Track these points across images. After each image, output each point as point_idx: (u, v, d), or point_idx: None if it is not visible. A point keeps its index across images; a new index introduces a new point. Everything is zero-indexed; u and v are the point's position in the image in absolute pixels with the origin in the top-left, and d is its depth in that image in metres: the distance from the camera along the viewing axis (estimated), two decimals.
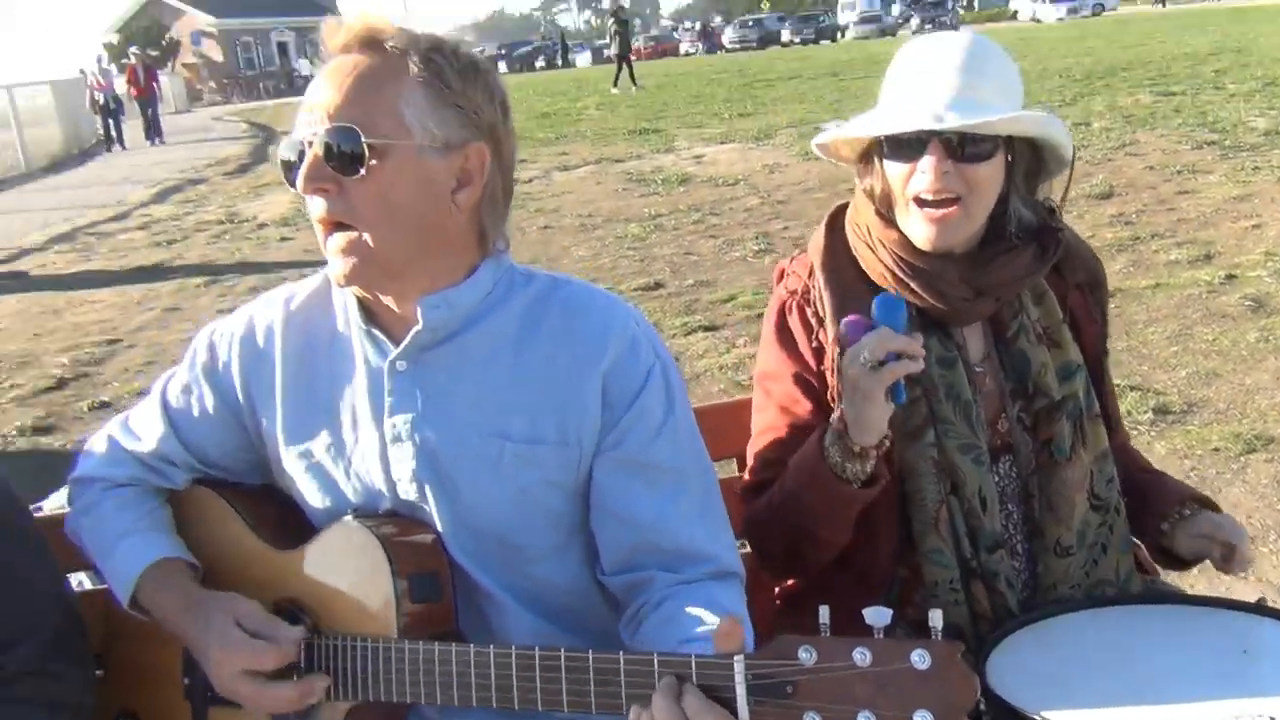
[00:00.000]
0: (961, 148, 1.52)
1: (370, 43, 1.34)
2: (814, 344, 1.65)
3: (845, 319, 1.50)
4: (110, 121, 23.45)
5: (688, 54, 55.03)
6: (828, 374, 1.62)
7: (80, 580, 1.96)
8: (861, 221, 1.66)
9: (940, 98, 1.52)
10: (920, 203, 1.55)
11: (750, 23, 61.10)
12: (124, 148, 22.94)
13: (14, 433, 5.44)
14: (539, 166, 12.88)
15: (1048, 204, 1.68)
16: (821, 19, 60.15)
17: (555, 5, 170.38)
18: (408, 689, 1.31)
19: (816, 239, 1.71)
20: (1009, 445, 1.65)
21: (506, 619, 1.43)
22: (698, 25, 62.68)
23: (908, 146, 1.55)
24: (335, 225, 1.34)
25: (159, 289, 8.62)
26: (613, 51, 27.48)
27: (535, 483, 1.41)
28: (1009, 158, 1.57)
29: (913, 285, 1.59)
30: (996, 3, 69.96)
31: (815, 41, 53.04)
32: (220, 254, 9.88)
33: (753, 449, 1.74)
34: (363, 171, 1.30)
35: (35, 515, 1.72)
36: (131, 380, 6.16)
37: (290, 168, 1.36)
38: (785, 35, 55.37)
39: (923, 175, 1.53)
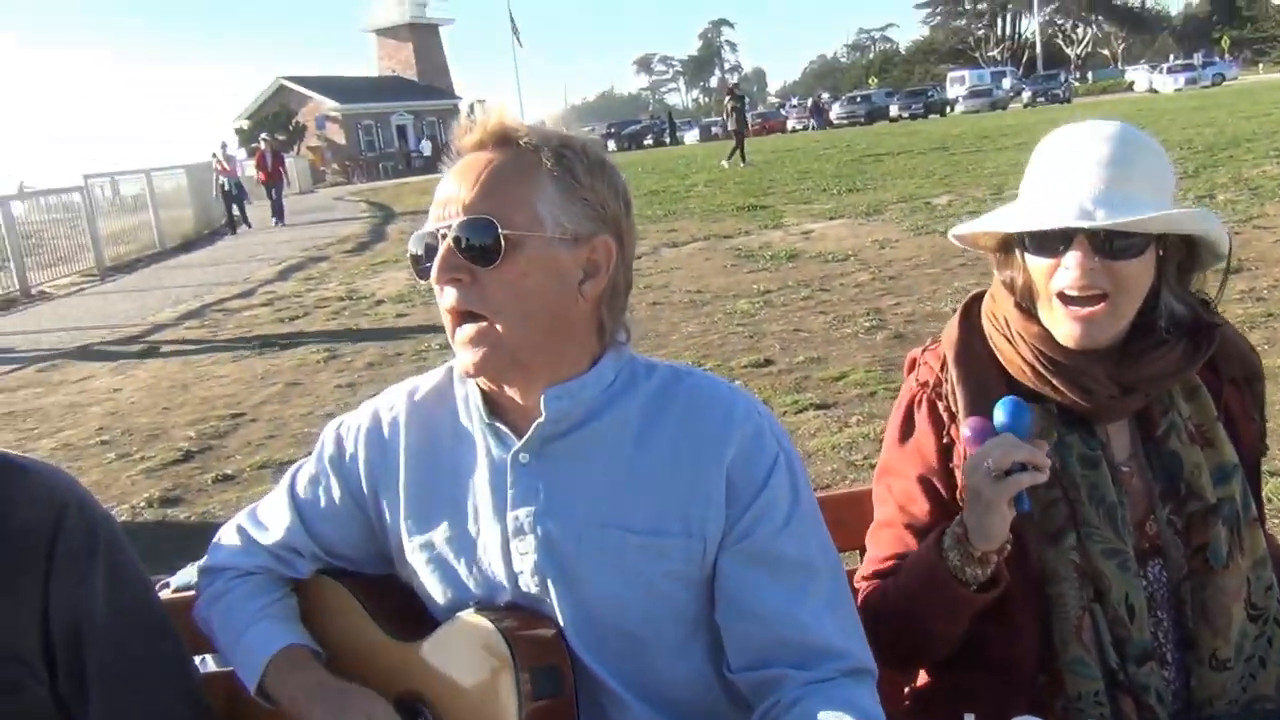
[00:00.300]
0: (1109, 244, 1.45)
1: (503, 140, 1.38)
2: (944, 441, 1.59)
3: (969, 419, 1.46)
4: (233, 205, 24.28)
5: (794, 130, 55.39)
6: (956, 472, 1.56)
7: (205, 661, 1.99)
8: (999, 313, 1.60)
9: (1087, 192, 1.46)
10: (1064, 299, 1.49)
11: (858, 98, 61.31)
12: (249, 226, 23.69)
13: (143, 504, 5.62)
14: (648, 243, 13.01)
15: (1201, 296, 1.60)
16: (930, 93, 59.99)
17: (663, 85, 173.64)
18: None
19: (950, 330, 1.66)
20: (1158, 549, 1.55)
21: (627, 716, 1.40)
22: (810, 101, 62.76)
23: (1052, 241, 1.49)
24: (465, 315, 1.36)
25: (281, 364, 8.89)
26: (730, 127, 27.75)
27: (659, 575, 1.39)
28: (1160, 252, 1.50)
29: (1055, 382, 1.52)
30: (1111, 74, 68.98)
31: (924, 116, 52.85)
32: (339, 330, 10.17)
33: (870, 542, 1.70)
34: (497, 262, 1.33)
35: (162, 593, 1.76)
36: (254, 454, 6.33)
37: (421, 260, 1.39)
38: (893, 110, 55.36)
39: (1068, 272, 1.47)
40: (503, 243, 1.32)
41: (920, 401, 1.63)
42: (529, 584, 1.41)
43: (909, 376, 1.69)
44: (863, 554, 1.89)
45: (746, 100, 27.96)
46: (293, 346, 9.58)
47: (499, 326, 1.34)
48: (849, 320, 8.01)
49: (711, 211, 16.43)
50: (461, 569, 1.46)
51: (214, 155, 24.56)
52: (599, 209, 1.40)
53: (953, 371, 1.60)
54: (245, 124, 56.03)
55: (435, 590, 1.48)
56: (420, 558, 1.49)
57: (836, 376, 6.54)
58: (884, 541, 1.64)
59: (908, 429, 1.64)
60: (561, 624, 1.40)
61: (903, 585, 1.55)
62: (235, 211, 24.37)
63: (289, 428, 6.83)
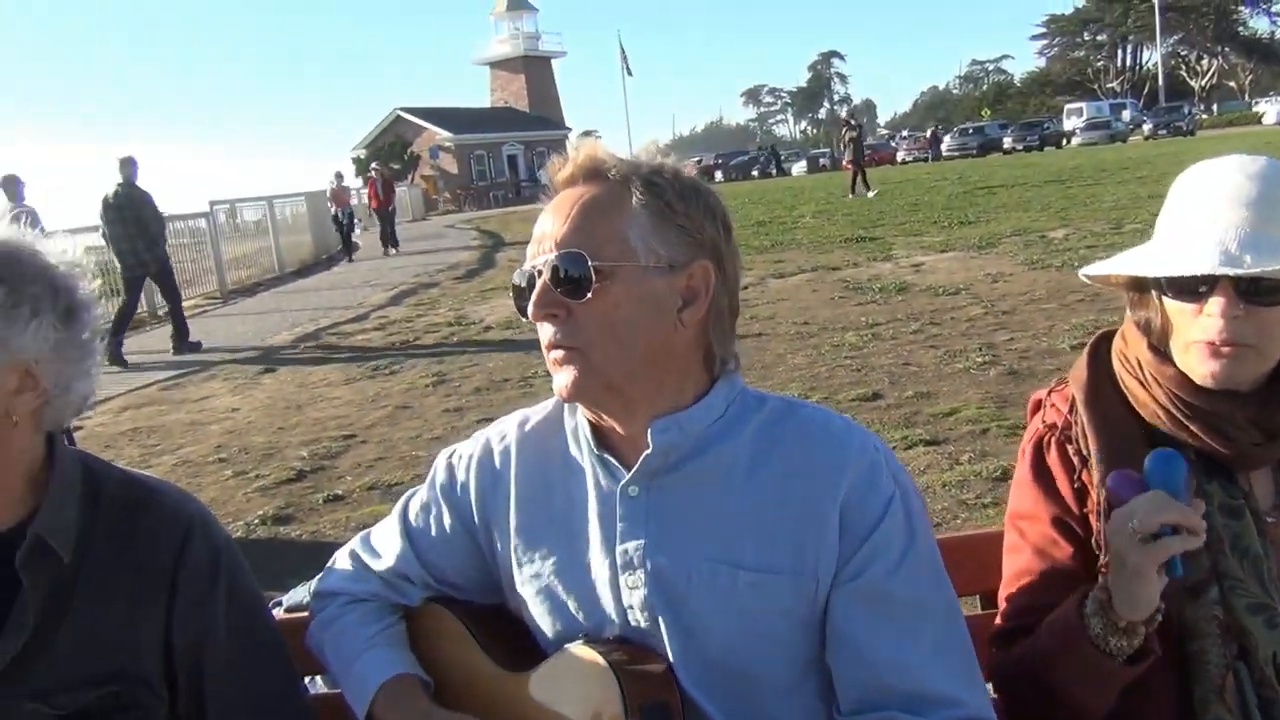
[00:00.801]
0: (1255, 289, 1.36)
1: (593, 173, 1.39)
2: (1075, 485, 1.51)
3: (1114, 473, 1.37)
4: (343, 235, 24.68)
5: (904, 162, 54.78)
6: (1091, 517, 1.49)
7: (315, 683, 2.01)
8: (1132, 354, 1.52)
9: (1232, 234, 1.36)
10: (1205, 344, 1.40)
11: (970, 130, 60.36)
12: (350, 260, 23.86)
13: (256, 522, 5.76)
14: (754, 274, 12.96)
15: None
16: (1045, 126, 58.71)
17: (771, 117, 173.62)
18: None
19: (1079, 370, 1.58)
20: None
21: None
22: (929, 132, 61.76)
23: (1193, 285, 1.40)
24: (556, 348, 1.36)
25: (391, 387, 9.07)
26: (846, 159, 27.53)
27: (769, 613, 1.35)
28: None
29: (1192, 427, 1.44)
30: (1238, 107, 66.68)
31: (1039, 149, 51.69)
32: (448, 355, 10.34)
33: (1005, 593, 1.61)
34: (589, 295, 1.32)
35: (274, 612, 1.78)
36: (363, 475, 6.45)
37: (521, 295, 1.40)
38: (1007, 142, 54.32)
39: (1210, 320, 1.38)
40: (593, 275, 1.32)
41: (1049, 444, 1.56)
42: (638, 618, 1.39)
43: (1034, 418, 1.62)
44: (983, 601, 1.81)
45: (862, 130, 27.61)
46: (403, 370, 9.77)
47: (591, 359, 1.34)
48: (960, 355, 7.83)
49: (819, 243, 16.31)
50: (570, 601, 1.44)
51: (329, 184, 25.11)
52: (695, 234, 1.38)
53: (1083, 414, 1.52)
54: (362, 153, 57.69)
55: (544, 621, 1.46)
56: (529, 588, 1.48)
57: (947, 412, 6.39)
58: (1022, 592, 1.56)
59: (1039, 472, 1.57)
60: (671, 660, 1.37)
61: (1041, 648, 1.47)
62: (347, 240, 24.79)
63: (397, 450, 6.95)
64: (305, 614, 1.70)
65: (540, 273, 1.36)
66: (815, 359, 8.26)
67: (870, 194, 24.88)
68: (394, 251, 24.08)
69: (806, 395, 6.92)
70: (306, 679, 2.06)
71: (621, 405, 1.39)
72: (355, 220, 25.88)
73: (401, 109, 67.62)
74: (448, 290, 16.24)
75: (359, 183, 27.41)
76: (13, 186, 11.63)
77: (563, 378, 1.36)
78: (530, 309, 1.36)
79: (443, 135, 64.87)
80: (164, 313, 13.75)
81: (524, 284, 1.39)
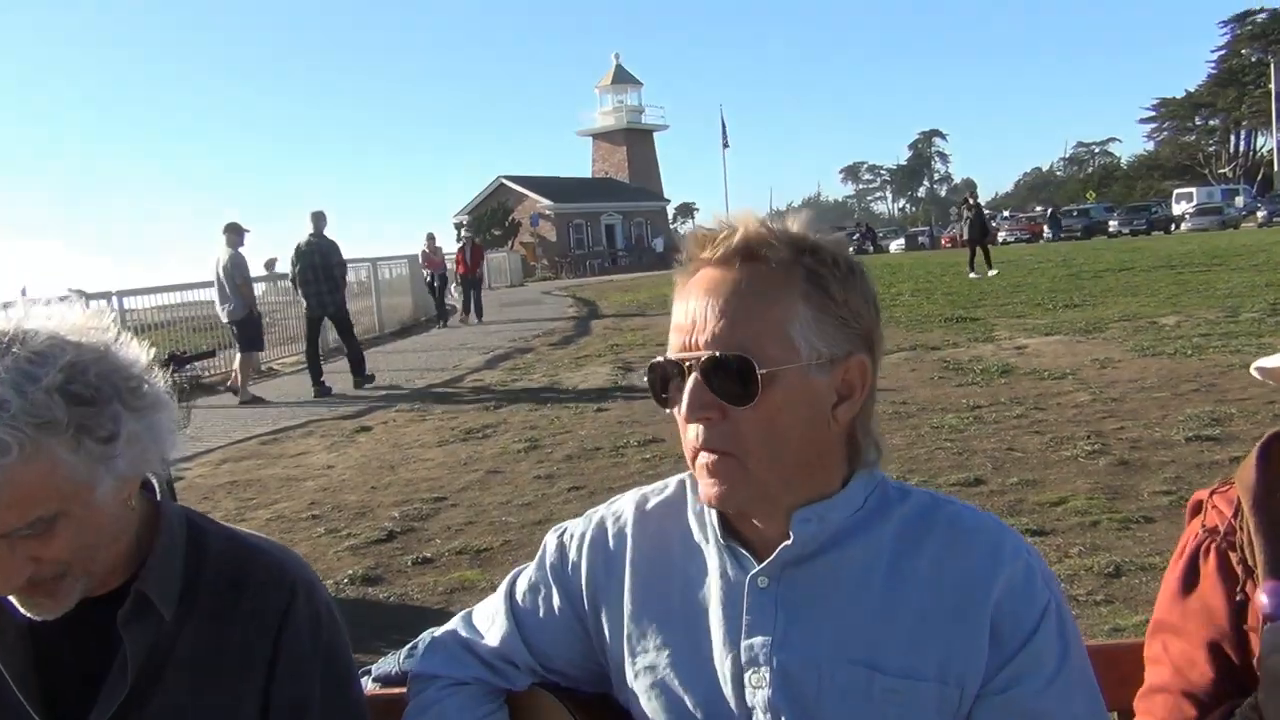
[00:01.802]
0: None
1: (750, 256, 1.26)
2: (1237, 598, 1.38)
3: (1269, 584, 1.25)
4: (436, 300, 24.63)
5: (1006, 242, 54.00)
6: (1252, 636, 1.35)
7: None
8: None
9: None
10: None
11: (1074, 212, 59.37)
12: (445, 322, 23.93)
13: (346, 580, 5.75)
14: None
15: None
16: (1154, 210, 57.46)
17: (870, 193, 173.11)
18: None
19: (1245, 471, 1.45)
20: None
21: None
22: (1049, 211, 60.47)
23: None
24: (709, 450, 1.26)
25: (483, 451, 9.08)
26: (965, 236, 27.16)
27: None
28: None
29: None
30: None
31: (1146, 233, 50.61)
32: (541, 420, 10.35)
33: (1141, 706, 1.47)
34: (753, 402, 1.22)
35: (363, 681, 1.72)
36: (453, 539, 6.42)
37: (663, 387, 1.30)
38: (1113, 226, 53.30)
39: None
40: (759, 382, 1.22)
41: (1208, 551, 1.42)
42: None
43: (1194, 520, 1.48)
44: (1120, 718, 1.67)
45: (982, 208, 27.20)
46: (495, 435, 9.79)
47: (748, 465, 1.25)
48: (1067, 442, 7.55)
49: (918, 321, 16.06)
50: (688, 697, 1.34)
51: (423, 248, 25.26)
52: (853, 324, 1.29)
53: (1250, 520, 1.38)
54: (465, 219, 58.95)
55: (658, 717, 1.37)
56: (643, 681, 1.39)
57: (1055, 501, 6.13)
58: (1156, 710, 1.43)
59: (1190, 581, 1.43)
60: None
61: None
62: (446, 303, 24.85)
63: (488, 515, 6.91)
64: (397, 690, 1.64)
65: (692, 368, 1.25)
66: (914, 440, 8.05)
67: (991, 272, 24.44)
68: (476, 321, 23.80)
69: (904, 478, 6.71)
70: None
71: (769, 508, 1.30)
72: (449, 284, 25.96)
73: (505, 176, 69.11)
74: (542, 356, 16.35)
75: (446, 249, 27.15)
76: (235, 234, 13.17)
77: (714, 485, 1.26)
78: (684, 411, 1.25)
79: (543, 203, 66.04)
80: (266, 368, 14.13)
81: (670, 374, 1.29)
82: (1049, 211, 60.07)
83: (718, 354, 1.23)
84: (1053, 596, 1.27)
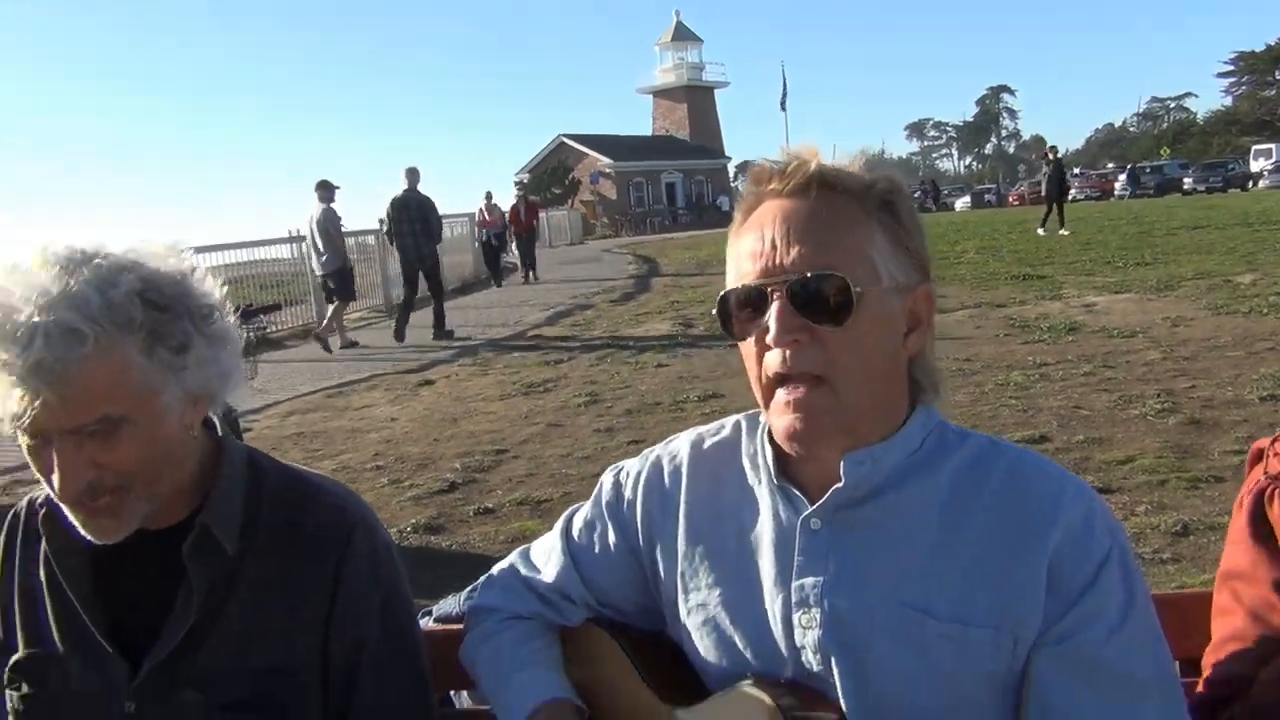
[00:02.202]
0: None
1: (825, 186, 1.25)
2: None
3: None
4: (492, 259, 24.16)
5: (1075, 200, 52.89)
6: None
7: (461, 697, 1.97)
8: None
9: None
10: None
11: (1148, 169, 57.86)
12: (501, 281, 23.64)
13: (409, 529, 5.85)
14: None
15: None
16: (1230, 167, 55.74)
17: (935, 151, 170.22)
18: None
19: None
20: None
21: None
22: (1129, 168, 58.75)
23: None
24: (798, 378, 1.23)
25: (544, 405, 9.14)
26: (1044, 191, 26.48)
27: (960, 668, 1.22)
28: None
29: None
30: None
31: (1222, 190, 49.12)
32: (601, 375, 10.38)
33: (1212, 659, 1.44)
34: (848, 321, 1.21)
35: (423, 620, 1.75)
36: (513, 490, 6.49)
37: (737, 316, 1.28)
38: (1187, 183, 51.83)
39: None
40: (853, 301, 1.21)
41: (1272, 496, 1.39)
42: (811, 661, 1.28)
43: (1255, 468, 1.44)
44: (1183, 668, 1.64)
45: (1062, 163, 26.45)
46: (556, 389, 9.85)
47: (839, 390, 1.22)
48: (1136, 400, 7.40)
49: (984, 279, 15.79)
50: (738, 636, 1.34)
51: (479, 206, 25.01)
52: (918, 254, 1.29)
53: None
54: (525, 177, 59.07)
55: (708, 654, 1.37)
56: (694, 619, 1.39)
57: (1122, 460, 6.02)
58: (1232, 660, 1.39)
59: (1258, 528, 1.39)
60: (844, 709, 1.25)
61: (1259, 704, 1.31)
62: (495, 263, 24.29)
63: (548, 467, 6.97)
64: (456, 626, 1.66)
65: (776, 292, 1.23)
66: (978, 398, 7.94)
67: (1062, 231, 23.85)
68: (532, 278, 23.51)
69: None
70: (452, 693, 2.03)
71: (843, 443, 1.27)
72: (506, 243, 25.64)
73: (565, 135, 69.06)
74: (603, 312, 16.37)
75: (501, 207, 26.57)
76: (326, 190, 13.84)
77: (798, 417, 1.23)
78: (771, 336, 1.22)
79: (604, 161, 65.95)
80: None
81: (738, 307, 1.27)
82: (1128, 168, 58.45)
83: (809, 274, 1.21)
84: (1115, 544, 1.23)
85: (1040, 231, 24.05)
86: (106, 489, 1.32)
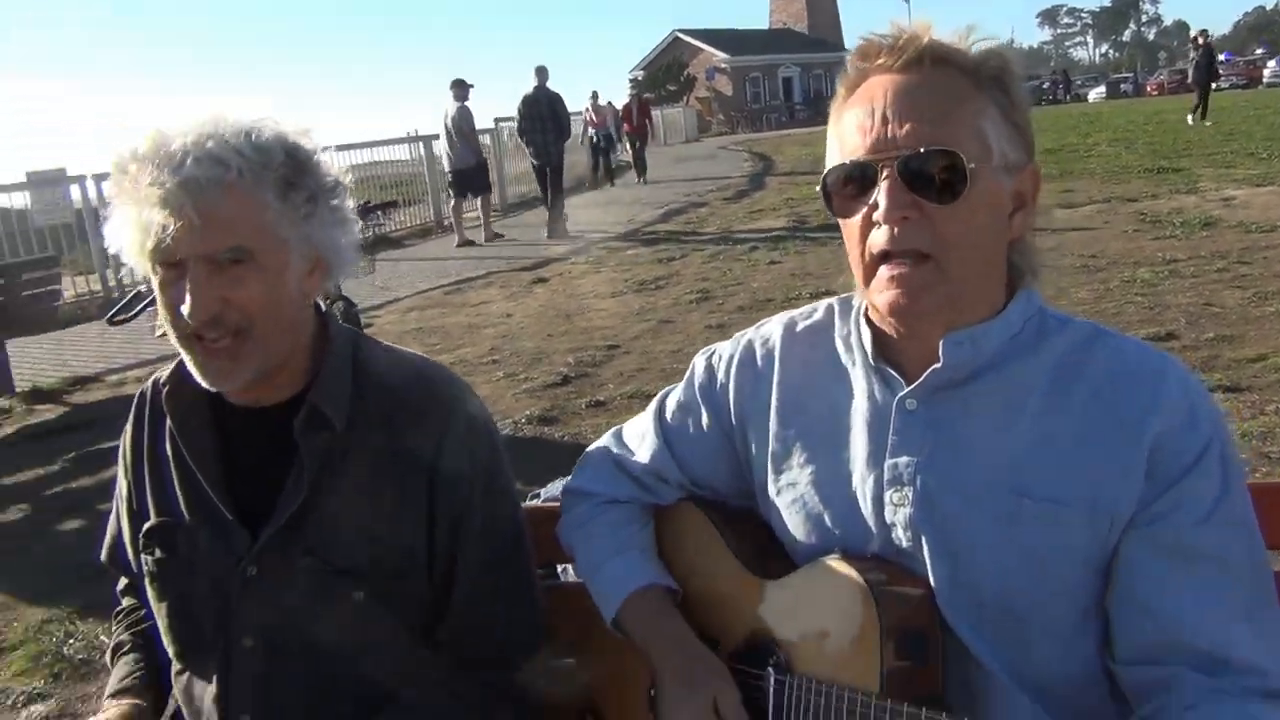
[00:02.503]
0: None
1: (938, 60, 1.23)
2: None
3: None
4: (600, 159, 23.75)
5: (1219, 89, 49.91)
6: None
7: (566, 571, 2.04)
8: None
9: None
10: None
11: None
12: (614, 181, 23.33)
13: (523, 420, 6.00)
14: (1040, 203, 12.17)
15: None
16: None
17: (1069, 39, 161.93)
18: None
19: None
20: None
21: (997, 698, 1.25)
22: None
23: None
24: (905, 254, 1.22)
25: (656, 302, 9.18)
26: (1191, 79, 24.96)
27: (1053, 549, 1.22)
28: None
29: None
30: None
31: None
32: (713, 273, 10.35)
33: None
34: (960, 196, 1.19)
35: (531, 503, 1.81)
36: (624, 384, 6.58)
37: (840, 194, 1.27)
38: None
39: None
40: (967, 177, 1.18)
41: None
42: (900, 538, 1.29)
43: None
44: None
45: (1212, 49, 24.75)
46: (668, 286, 9.86)
47: (946, 267, 1.21)
48: (1273, 298, 7.05)
49: (1115, 172, 15.11)
50: (828, 514, 1.36)
51: (587, 105, 24.58)
52: (1027, 133, 1.26)
53: None
54: (639, 75, 58.34)
55: (798, 532, 1.39)
56: (784, 497, 1.41)
57: (1253, 358, 5.78)
58: None
59: None
60: (934, 586, 1.26)
61: None
62: (602, 164, 23.84)
63: (658, 362, 7.04)
64: (554, 504, 1.71)
65: (886, 167, 1.21)
66: (1102, 294, 7.68)
67: (1205, 123, 22.56)
68: (643, 180, 22.96)
69: None
70: (559, 567, 2.10)
71: (945, 321, 1.26)
72: (615, 143, 25.15)
73: (680, 30, 67.75)
74: (716, 210, 16.23)
75: (612, 105, 25.93)
76: (460, 88, 14.18)
77: (902, 293, 1.22)
78: (881, 212, 1.21)
79: (719, 57, 64.61)
80: (449, 224, 14.59)
81: (844, 183, 1.25)
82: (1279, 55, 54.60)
83: (921, 149, 1.19)
84: (1216, 433, 1.21)
85: (1190, 120, 22.75)
86: (229, 329, 1.39)
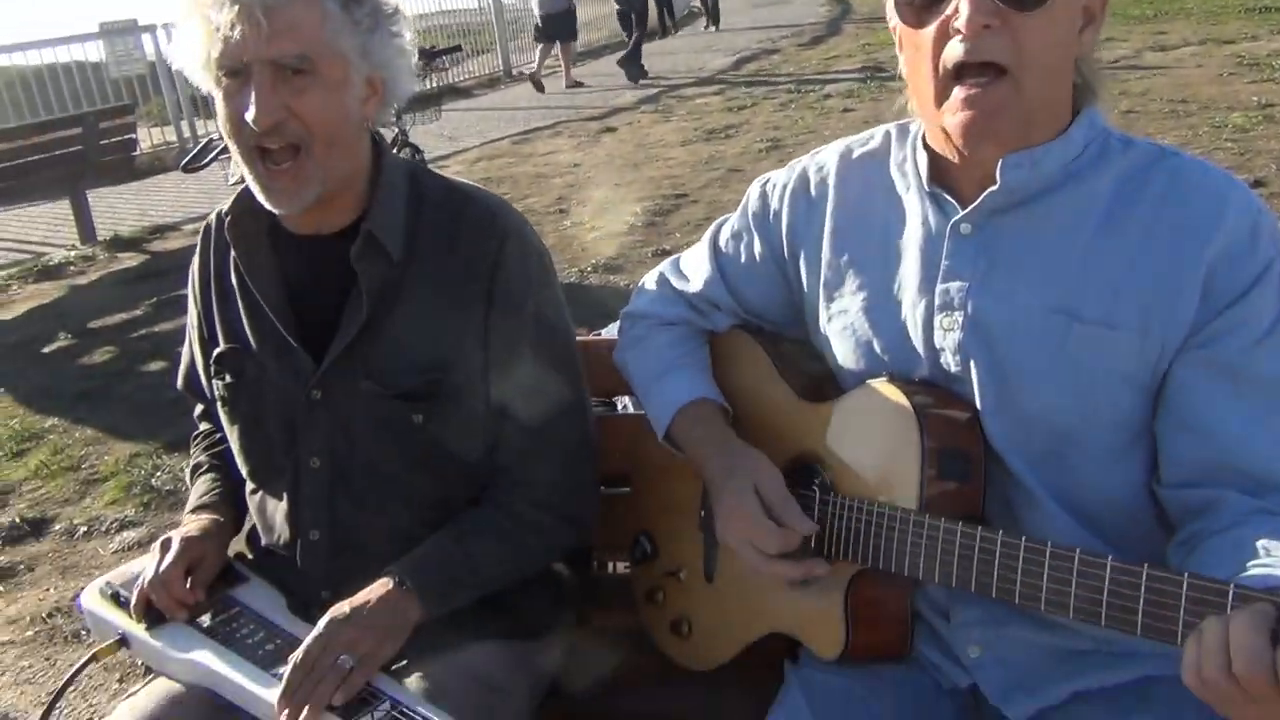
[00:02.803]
0: None
1: None
2: None
3: None
4: (663, 7, 22.28)
5: None
6: None
7: (627, 406, 2.09)
8: None
9: None
10: None
11: None
12: (674, 32, 22.39)
13: (590, 269, 6.06)
14: (1129, 45, 11.61)
15: None
16: None
17: None
18: (920, 565, 1.21)
19: None
20: None
21: (1039, 519, 1.26)
22: None
23: None
24: (980, 68, 1.18)
25: (725, 150, 9.04)
26: None
27: (1102, 372, 1.21)
28: None
29: None
30: None
31: None
32: (784, 121, 10.12)
33: None
34: (1042, 7, 1.15)
35: (591, 338, 1.84)
36: (691, 233, 6.54)
37: (907, 4, 1.23)
38: None
39: None
40: None
41: None
42: (949, 362, 1.29)
43: None
44: None
45: None
46: (738, 135, 9.69)
47: (1024, 82, 1.17)
48: None
49: (1213, 13, 14.28)
50: (877, 341, 1.37)
51: None
52: None
53: None
54: None
55: (847, 359, 1.40)
56: (835, 324, 1.41)
57: None
58: None
59: None
60: (980, 410, 1.27)
61: None
62: (668, 9, 22.51)
63: (726, 211, 6.82)
64: (610, 336, 1.74)
65: None
66: (1190, 139, 7.38)
67: None
68: (715, 27, 22.06)
69: None
70: (616, 399, 2.15)
71: (1016, 138, 1.22)
72: None
73: None
74: (790, 57, 15.75)
75: None
76: None
77: (974, 113, 1.19)
78: (963, 20, 1.16)
79: None
80: (517, 73, 14.43)
81: None
82: None
83: None
84: (1278, 255, 1.18)
85: None
86: (290, 143, 1.43)
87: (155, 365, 5.47)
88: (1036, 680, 1.31)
